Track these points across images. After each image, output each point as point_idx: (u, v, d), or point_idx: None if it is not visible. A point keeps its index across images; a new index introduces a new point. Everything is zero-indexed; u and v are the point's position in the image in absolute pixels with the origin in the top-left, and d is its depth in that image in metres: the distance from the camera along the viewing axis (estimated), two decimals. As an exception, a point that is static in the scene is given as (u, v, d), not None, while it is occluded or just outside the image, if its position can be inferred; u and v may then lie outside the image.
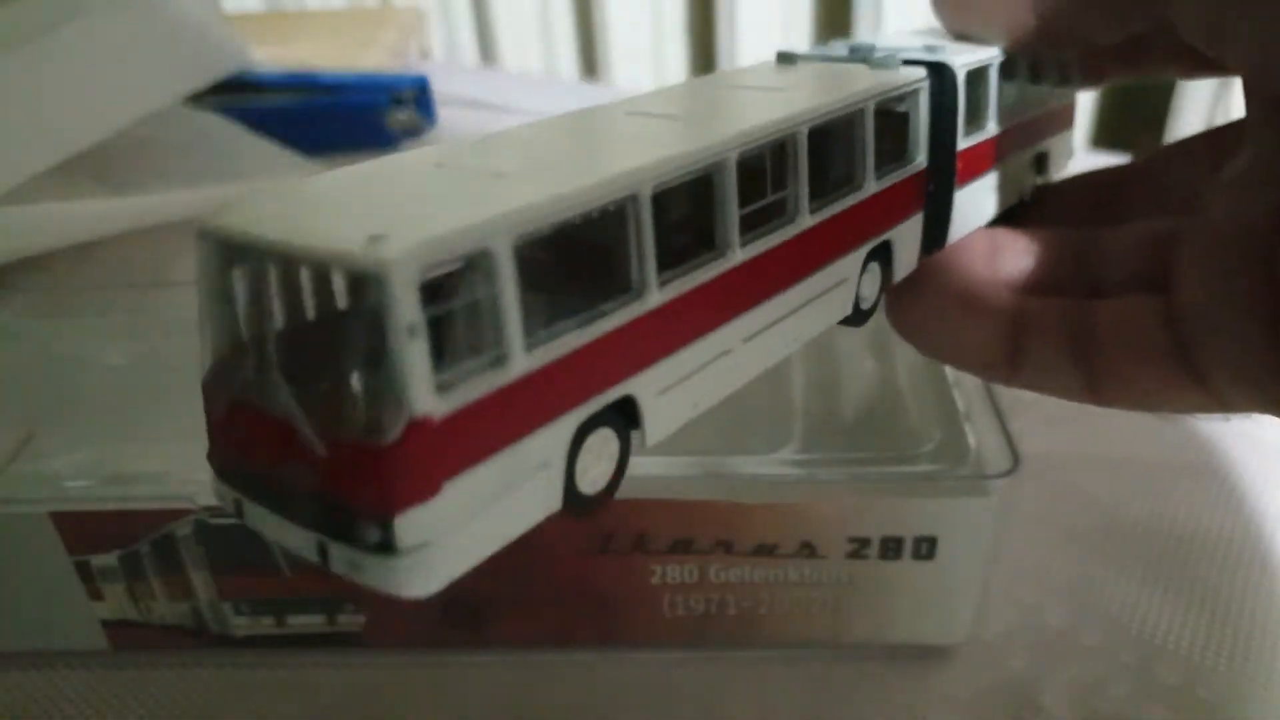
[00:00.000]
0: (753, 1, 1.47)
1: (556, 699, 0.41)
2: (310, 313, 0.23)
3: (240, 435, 0.23)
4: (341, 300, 0.21)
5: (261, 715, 0.40)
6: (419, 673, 0.42)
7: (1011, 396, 0.37)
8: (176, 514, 0.39)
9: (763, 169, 0.28)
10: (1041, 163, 0.41)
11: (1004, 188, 0.38)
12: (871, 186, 0.31)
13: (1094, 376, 0.30)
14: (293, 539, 0.22)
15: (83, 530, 0.39)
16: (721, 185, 0.26)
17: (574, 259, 0.24)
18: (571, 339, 0.23)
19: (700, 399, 0.27)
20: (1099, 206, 0.37)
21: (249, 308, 0.23)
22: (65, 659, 0.42)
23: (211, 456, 0.24)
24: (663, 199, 0.24)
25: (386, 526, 0.20)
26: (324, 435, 0.21)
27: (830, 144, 0.30)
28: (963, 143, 0.35)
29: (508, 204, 0.21)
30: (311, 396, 0.22)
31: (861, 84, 0.31)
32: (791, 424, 0.45)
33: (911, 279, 0.34)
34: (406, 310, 0.19)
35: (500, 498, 0.22)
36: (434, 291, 0.20)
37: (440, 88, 1.09)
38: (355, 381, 0.21)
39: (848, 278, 0.32)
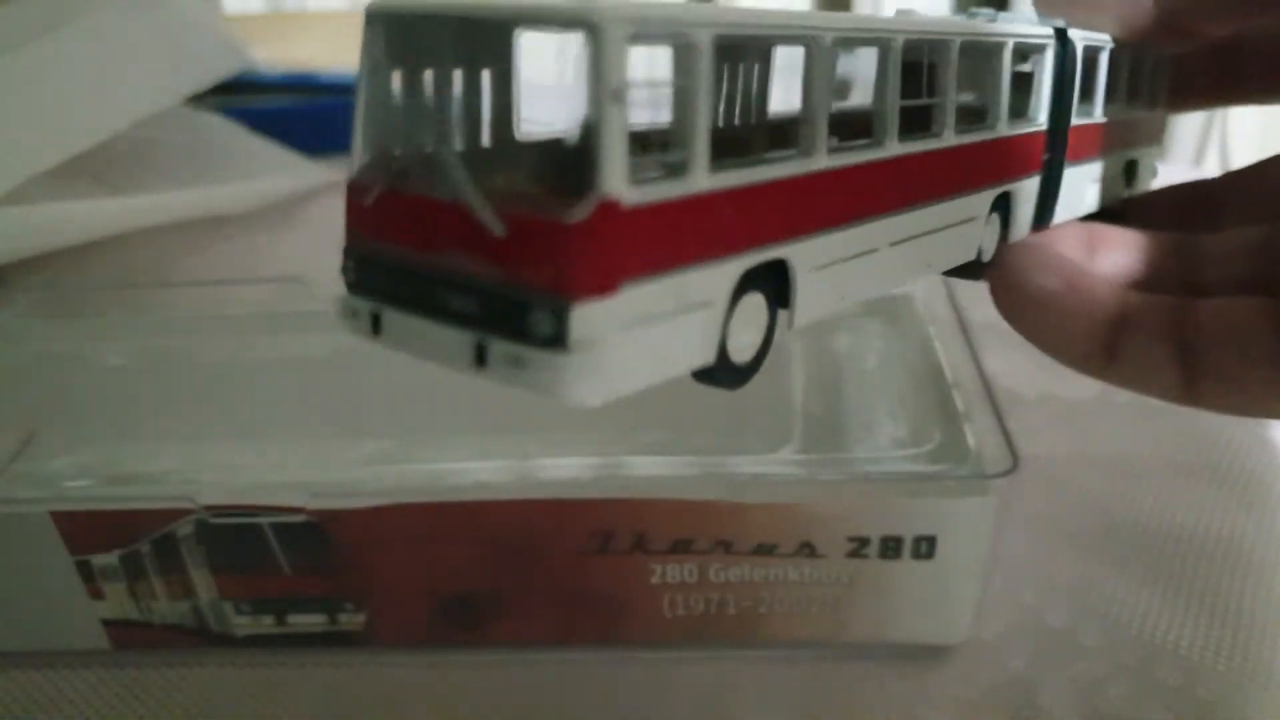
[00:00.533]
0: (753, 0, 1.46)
1: (556, 699, 0.40)
2: (485, 92, 0.23)
3: (393, 228, 0.22)
4: (524, 73, 0.22)
5: (262, 715, 0.40)
6: (419, 672, 0.41)
7: (1010, 396, 0.37)
8: (177, 513, 0.39)
9: (917, 74, 0.28)
10: (1131, 172, 0.41)
11: (1103, 183, 0.37)
12: (1004, 129, 0.32)
13: (1194, 376, 0.29)
14: (443, 345, 0.21)
15: (83, 530, 0.39)
16: (886, 68, 0.26)
17: (754, 102, 0.26)
18: (747, 174, 0.23)
19: (846, 290, 0.27)
20: (1190, 216, 0.37)
21: (416, 90, 0.23)
22: (66, 658, 0.42)
23: (346, 266, 0.23)
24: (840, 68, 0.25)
25: (561, 315, 0.19)
26: (502, 214, 0.20)
27: (973, 71, 0.30)
28: (1075, 118, 0.35)
29: (712, 10, 0.21)
30: (489, 176, 0.21)
31: (998, 26, 0.31)
32: (791, 423, 0.45)
33: (1018, 255, 0.33)
34: (616, 69, 0.18)
35: (667, 322, 0.21)
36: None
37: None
38: (543, 156, 0.21)
39: (978, 216, 0.32)
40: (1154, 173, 0.43)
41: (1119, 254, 0.33)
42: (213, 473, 0.44)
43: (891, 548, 0.38)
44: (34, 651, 0.42)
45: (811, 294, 0.26)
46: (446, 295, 0.21)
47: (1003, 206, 0.33)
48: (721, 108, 0.30)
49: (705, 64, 0.21)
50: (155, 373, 0.52)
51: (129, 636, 0.42)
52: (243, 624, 0.41)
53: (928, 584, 0.39)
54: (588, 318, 0.19)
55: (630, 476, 0.42)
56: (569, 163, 0.19)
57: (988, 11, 0.34)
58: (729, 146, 0.23)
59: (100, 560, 0.40)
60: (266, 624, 0.41)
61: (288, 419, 0.49)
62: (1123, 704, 0.40)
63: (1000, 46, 0.31)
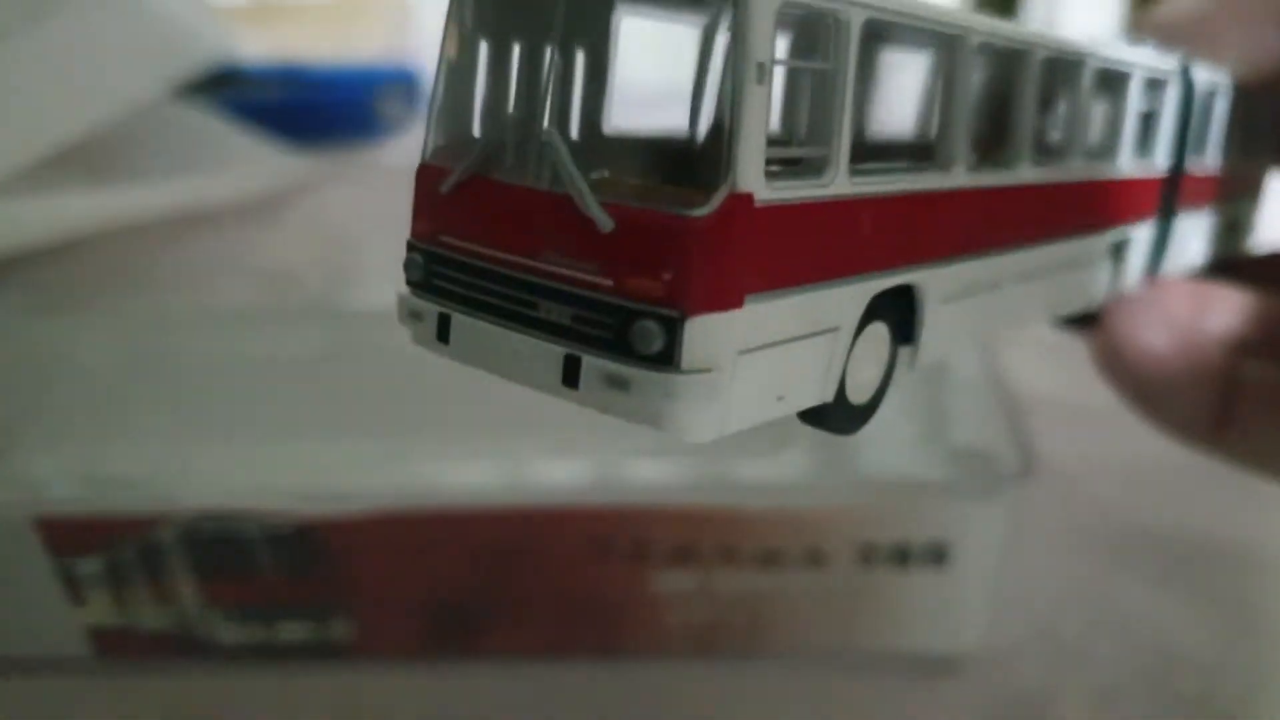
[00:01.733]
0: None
1: (553, 713, 0.40)
2: (578, 77, 0.20)
3: (473, 219, 0.20)
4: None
5: (249, 726, 0.40)
6: (411, 684, 0.41)
7: (1022, 397, 0.36)
8: (162, 518, 0.38)
9: (1051, 95, 0.26)
10: (1237, 227, 0.38)
11: (1213, 236, 0.35)
12: (1127, 167, 0.29)
13: None
14: (525, 359, 0.18)
15: (66, 534, 0.38)
16: (1024, 83, 0.24)
17: (897, 108, 0.24)
18: (887, 183, 0.20)
19: (971, 327, 0.25)
20: None
21: (506, 67, 0.20)
22: (47, 666, 0.41)
23: (412, 260, 0.21)
24: (976, 77, 0.23)
25: (673, 327, 0.17)
26: (611, 208, 0.17)
27: (1103, 98, 0.28)
28: (1189, 163, 0.32)
29: None
30: (586, 169, 0.18)
31: (1128, 53, 0.29)
32: (795, 426, 0.44)
33: (1125, 309, 0.31)
34: (762, 44, 0.16)
35: (793, 347, 0.19)
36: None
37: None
38: (652, 151, 0.18)
39: (1099, 259, 0.29)
40: (1252, 228, 0.40)
41: (1231, 315, 0.30)
42: (200, 475, 0.44)
43: (901, 554, 0.38)
44: (14, 658, 0.41)
45: (938, 328, 0.23)
46: (535, 300, 0.18)
47: (1117, 253, 0.30)
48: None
49: (854, 49, 0.18)
50: (140, 372, 0.51)
51: (112, 644, 0.41)
52: (229, 632, 0.41)
53: (938, 592, 0.39)
54: (705, 333, 0.17)
55: (629, 481, 0.41)
56: (689, 156, 0.17)
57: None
58: (863, 151, 0.20)
59: (83, 565, 0.39)
60: (254, 632, 0.40)
61: (277, 419, 0.48)
62: (1138, 712, 0.39)
63: (1128, 75, 0.28)
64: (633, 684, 0.41)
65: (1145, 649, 0.42)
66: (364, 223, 0.82)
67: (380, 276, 0.49)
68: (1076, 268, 0.28)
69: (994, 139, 0.24)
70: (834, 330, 0.20)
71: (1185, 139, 0.31)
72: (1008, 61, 0.24)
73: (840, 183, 0.19)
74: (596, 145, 0.21)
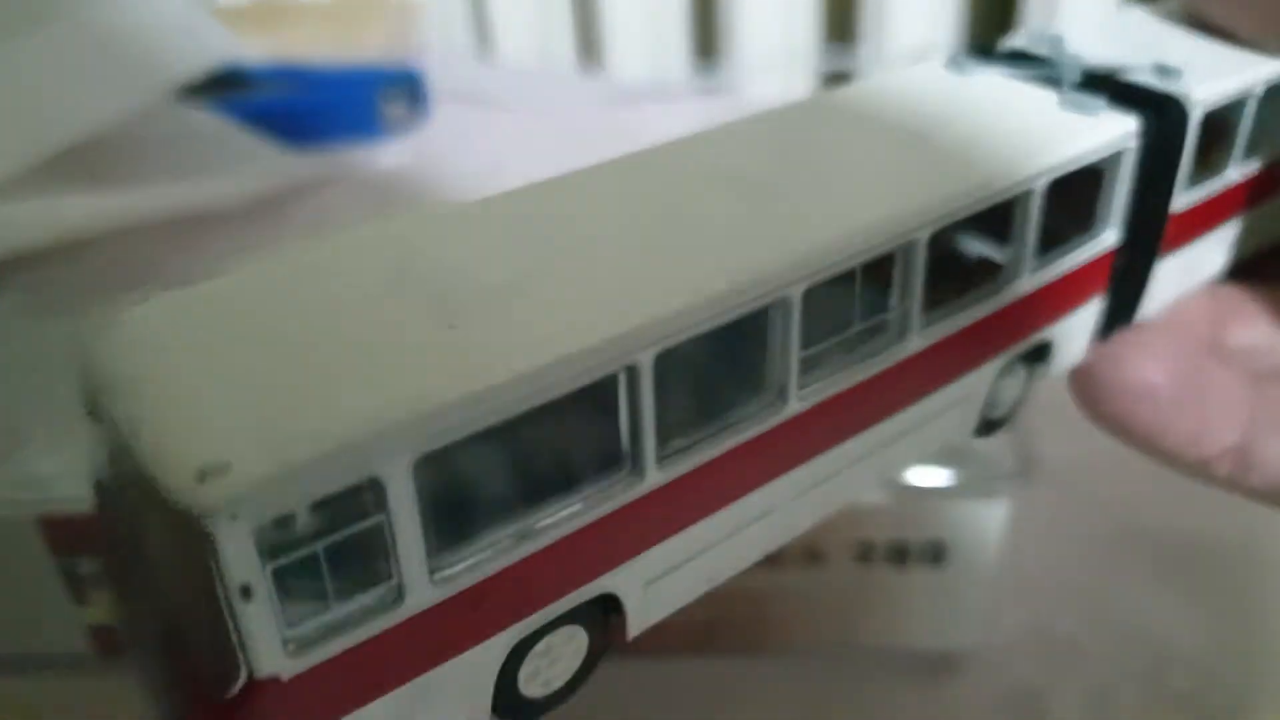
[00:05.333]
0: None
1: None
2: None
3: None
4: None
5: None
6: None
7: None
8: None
9: (851, 283, 0.21)
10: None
11: (1242, 237, 0.30)
12: (1026, 283, 0.24)
13: None
14: None
15: (69, 534, 0.38)
16: (775, 325, 0.20)
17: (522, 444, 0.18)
18: (502, 555, 0.18)
19: (714, 574, 0.23)
20: None
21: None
22: (50, 664, 0.42)
23: None
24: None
25: None
26: (184, 683, 0.17)
27: (972, 234, 0.24)
28: (1182, 199, 0.26)
29: (422, 400, 0.16)
30: (181, 638, 0.17)
31: (1033, 150, 0.23)
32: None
33: (1106, 352, 0.27)
34: (240, 568, 0.15)
35: None
36: (290, 526, 0.15)
37: (435, 79, 1.09)
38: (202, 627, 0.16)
39: (969, 396, 0.25)
40: None
41: (1256, 329, 0.26)
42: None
43: (899, 553, 0.38)
44: (17, 656, 0.42)
45: (658, 601, 0.22)
46: None
47: (1035, 356, 0.26)
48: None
49: (404, 493, 0.16)
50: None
51: (115, 642, 0.41)
52: (232, 630, 0.40)
53: (937, 590, 0.39)
54: None
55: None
56: (219, 635, 0.16)
57: (1063, 47, 0.26)
58: (480, 514, 0.18)
59: (86, 564, 0.39)
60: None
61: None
62: (1133, 711, 0.39)
63: (1025, 195, 0.22)
64: (633, 681, 0.41)
65: (1141, 647, 0.42)
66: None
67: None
68: (923, 425, 0.24)
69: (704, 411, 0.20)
70: (462, 691, 0.19)
71: (1161, 187, 0.26)
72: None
73: (421, 597, 0.17)
74: None
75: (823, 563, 0.38)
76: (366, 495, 0.16)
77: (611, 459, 0.19)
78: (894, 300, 0.21)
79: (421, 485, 0.16)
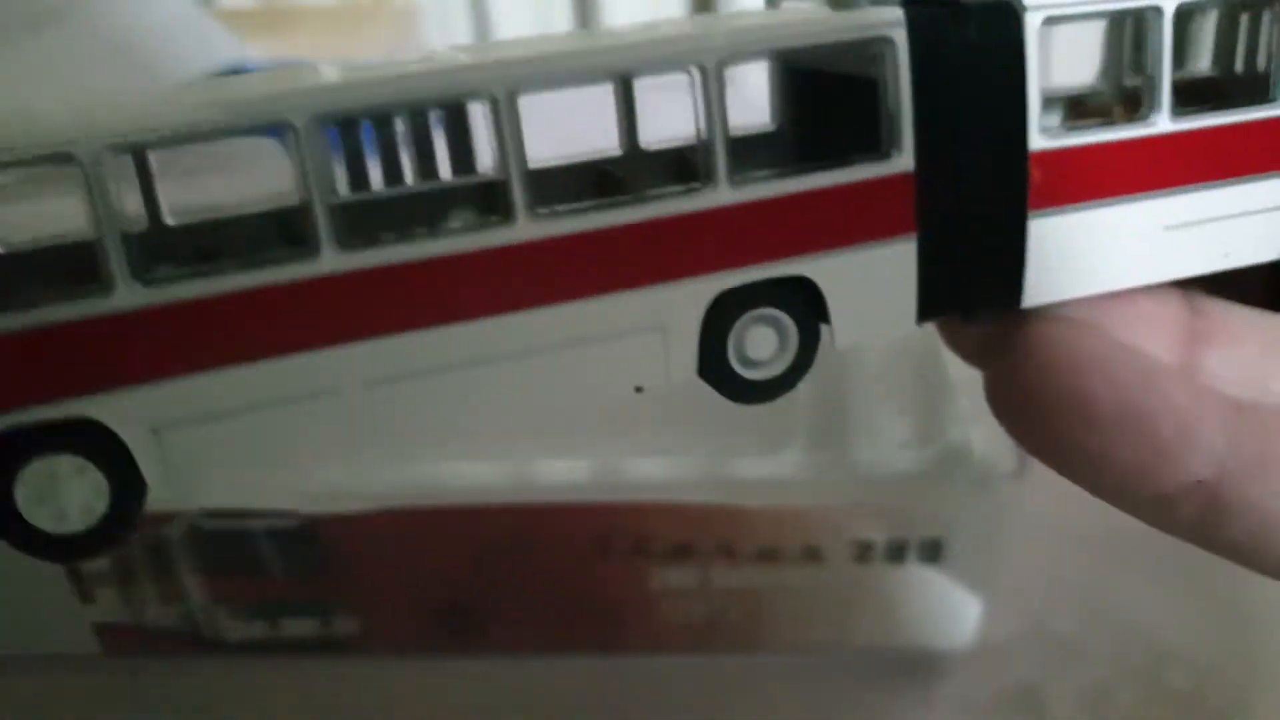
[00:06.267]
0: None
1: (554, 707, 0.40)
2: None
3: None
4: None
5: (255, 722, 0.40)
6: (413, 679, 0.41)
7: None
8: (168, 515, 0.38)
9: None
10: None
11: (1199, 237, 0.23)
12: (725, 192, 0.21)
13: None
14: None
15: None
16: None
17: None
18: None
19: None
20: None
21: None
22: (56, 662, 0.42)
23: None
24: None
25: None
26: None
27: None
28: (1073, 137, 0.22)
29: None
30: None
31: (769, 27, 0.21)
32: (794, 425, 0.44)
33: (1030, 353, 0.22)
34: None
35: None
36: None
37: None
38: None
39: (636, 330, 0.21)
40: None
41: (1236, 349, 0.22)
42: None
43: (897, 551, 0.38)
44: (23, 655, 0.42)
45: (175, 454, 0.19)
46: None
47: (797, 300, 0.22)
48: None
49: None
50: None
51: (119, 640, 0.41)
52: (235, 628, 0.41)
53: (934, 588, 0.39)
54: None
55: (629, 480, 0.41)
56: None
57: None
58: None
59: (91, 563, 0.39)
60: (259, 629, 0.41)
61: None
62: (1131, 709, 0.39)
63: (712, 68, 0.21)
64: (633, 679, 0.41)
65: (1139, 646, 0.42)
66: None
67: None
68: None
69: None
70: None
71: (1010, 108, 0.21)
72: None
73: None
74: None
75: (821, 562, 0.38)
76: None
77: None
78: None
79: None
